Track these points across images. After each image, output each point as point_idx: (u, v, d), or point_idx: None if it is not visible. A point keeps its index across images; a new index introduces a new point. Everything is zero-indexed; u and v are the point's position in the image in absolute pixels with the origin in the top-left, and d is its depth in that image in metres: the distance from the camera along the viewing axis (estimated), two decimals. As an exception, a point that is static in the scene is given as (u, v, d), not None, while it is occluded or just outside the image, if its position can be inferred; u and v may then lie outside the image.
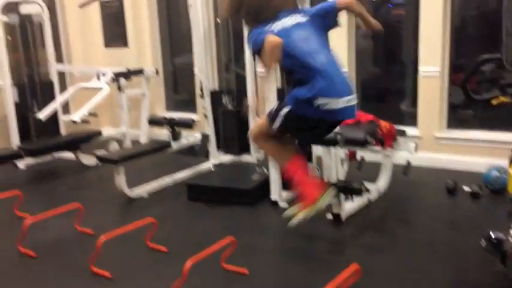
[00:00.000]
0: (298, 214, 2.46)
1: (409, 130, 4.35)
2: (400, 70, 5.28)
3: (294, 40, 2.26)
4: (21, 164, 5.18)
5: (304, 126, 2.35)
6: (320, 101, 2.20)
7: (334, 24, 2.47)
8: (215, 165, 4.79)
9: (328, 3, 2.44)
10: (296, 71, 2.27)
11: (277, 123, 2.31)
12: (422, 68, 4.52)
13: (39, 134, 5.32)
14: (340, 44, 4.83)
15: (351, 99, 2.31)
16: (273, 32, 2.24)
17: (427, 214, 3.59)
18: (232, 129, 5.02)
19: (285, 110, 2.28)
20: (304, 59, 2.24)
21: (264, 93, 2.28)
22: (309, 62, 2.23)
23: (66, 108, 5.92)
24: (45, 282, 2.90)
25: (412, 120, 4.76)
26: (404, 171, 3.83)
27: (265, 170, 4.20)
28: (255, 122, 2.35)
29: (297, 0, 2.46)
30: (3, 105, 5.37)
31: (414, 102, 4.76)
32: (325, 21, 2.42)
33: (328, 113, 2.23)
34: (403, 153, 3.94)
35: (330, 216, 3.52)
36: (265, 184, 3.94)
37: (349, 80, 2.41)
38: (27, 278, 2.96)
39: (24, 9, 5.26)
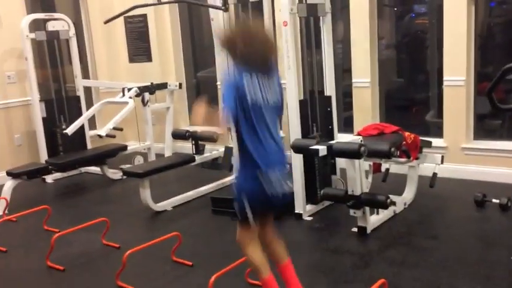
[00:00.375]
0: None
1: (435, 141, 4.30)
2: (424, 80, 5.23)
3: (262, 116, 2.32)
4: (49, 178, 5.29)
5: (264, 202, 2.38)
6: (263, 172, 2.29)
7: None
8: (239, 178, 4.79)
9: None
10: (247, 140, 2.32)
11: (250, 217, 2.36)
12: (447, 78, 4.46)
13: (66, 149, 5.42)
14: (363, 54, 4.81)
15: (283, 172, 2.42)
16: (247, 100, 2.26)
17: (456, 227, 3.51)
18: (255, 141, 5.03)
19: (246, 205, 2.34)
20: (260, 133, 2.31)
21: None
22: (261, 137, 2.32)
23: (92, 123, 6.03)
24: (73, 296, 2.94)
25: (438, 131, 4.68)
26: (430, 183, 3.77)
27: (289, 182, 4.18)
28: (238, 230, 2.47)
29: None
30: (31, 121, 5.50)
31: (439, 113, 4.69)
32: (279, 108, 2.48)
33: (272, 187, 2.32)
34: (429, 165, 3.89)
35: (355, 229, 3.48)
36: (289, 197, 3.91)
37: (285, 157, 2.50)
38: (55, 291, 3.01)
39: (51, 26, 5.39)
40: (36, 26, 5.41)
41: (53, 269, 3.22)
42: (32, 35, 5.22)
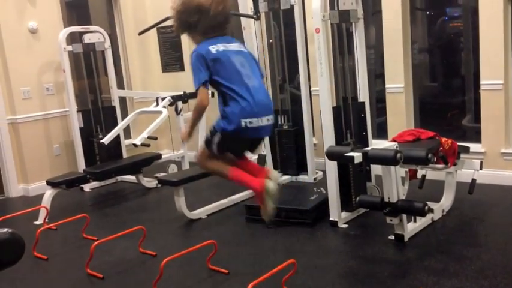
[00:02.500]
0: (263, 213, 2.67)
1: (473, 146, 4.20)
2: (460, 84, 5.13)
3: (233, 62, 2.57)
4: (87, 187, 5.41)
5: (235, 144, 2.65)
6: (246, 121, 2.50)
7: None
8: (272, 186, 4.79)
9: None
10: (227, 87, 2.53)
11: (214, 148, 2.61)
12: (484, 82, 4.36)
13: (102, 158, 5.54)
14: (396, 58, 4.76)
15: (270, 119, 2.62)
16: (215, 53, 2.53)
17: (496, 235, 3.42)
18: (288, 149, 5.04)
19: (216, 138, 2.58)
20: (237, 80, 2.54)
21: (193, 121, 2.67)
22: (241, 82, 2.53)
23: (127, 132, 6.15)
24: (112, 303, 2.99)
25: (475, 136, 4.58)
26: (469, 189, 3.69)
27: (323, 190, 4.16)
28: (199, 149, 2.72)
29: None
30: (69, 131, 5.65)
31: (476, 117, 4.59)
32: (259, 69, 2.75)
33: (253, 130, 2.54)
34: (467, 171, 3.80)
35: (392, 237, 3.43)
36: (323, 204, 3.90)
37: (271, 103, 2.71)
38: (94, 298, 3.07)
39: (87, 38, 5.54)
40: (73, 38, 5.56)
41: (93, 277, 3.28)
42: (69, 48, 5.38)
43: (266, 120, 2.59)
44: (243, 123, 2.49)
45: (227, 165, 2.66)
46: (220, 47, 2.58)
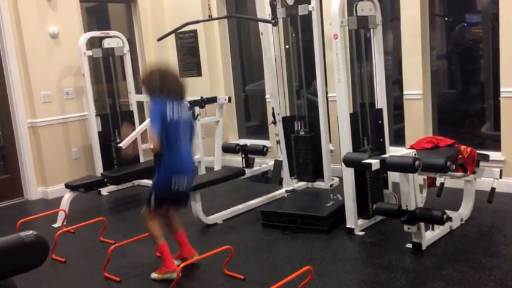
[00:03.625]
0: (156, 274, 3.28)
1: (492, 154, 4.15)
2: (479, 91, 5.07)
3: (177, 132, 3.15)
4: (104, 190, 5.47)
5: (170, 201, 3.29)
6: (175, 180, 3.14)
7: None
8: (288, 192, 4.79)
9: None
10: (166, 149, 3.11)
11: (153, 205, 3.22)
12: (504, 89, 4.31)
13: (120, 162, 5.59)
14: (415, 65, 4.73)
15: (192, 178, 3.33)
16: (167, 119, 3.08)
17: (517, 244, 3.37)
18: (305, 155, 5.03)
19: (154, 194, 3.21)
20: (176, 144, 3.15)
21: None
22: (178, 147, 3.15)
23: (144, 136, 6.19)
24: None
25: (495, 144, 4.52)
26: (488, 198, 3.64)
27: (339, 196, 4.15)
28: (144, 209, 3.33)
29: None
30: (88, 135, 5.72)
31: (496, 125, 4.53)
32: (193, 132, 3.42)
33: (182, 186, 3.18)
34: (487, 179, 3.76)
35: (409, 245, 3.40)
36: (340, 211, 3.88)
37: (193, 165, 3.37)
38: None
39: (107, 43, 5.60)
40: (93, 43, 5.64)
41: (110, 280, 3.31)
42: (89, 53, 5.45)
43: (189, 182, 3.25)
44: (173, 182, 3.14)
45: (162, 236, 3.27)
46: (175, 111, 3.13)
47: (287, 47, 5.50)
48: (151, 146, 3.11)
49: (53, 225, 4.50)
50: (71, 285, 3.38)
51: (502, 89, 4.32)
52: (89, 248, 3.97)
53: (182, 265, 3.12)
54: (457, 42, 5.29)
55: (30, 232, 1.10)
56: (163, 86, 3.13)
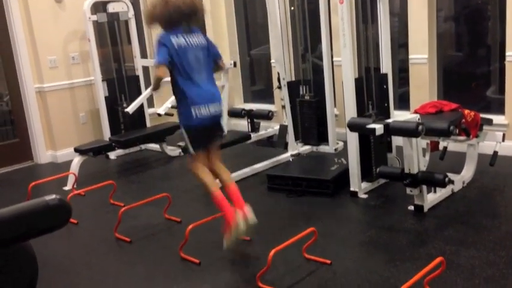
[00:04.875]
0: (225, 241, 3.04)
1: (496, 118, 4.18)
2: (485, 54, 5.04)
3: (188, 58, 3.06)
4: (112, 154, 5.56)
5: (200, 135, 3.13)
6: (195, 110, 3.03)
7: (213, 65, 3.29)
8: (293, 156, 4.86)
9: (218, 51, 3.36)
10: (180, 81, 3.05)
11: (190, 148, 3.12)
12: (510, 52, 4.29)
13: (127, 127, 5.66)
14: (420, 27, 4.70)
15: (216, 106, 3.14)
16: (174, 47, 3.02)
17: (516, 206, 3.44)
18: (310, 119, 5.07)
19: (184, 134, 3.12)
20: (189, 73, 3.06)
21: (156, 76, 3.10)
22: (191, 76, 3.06)
23: (150, 101, 6.24)
24: (140, 264, 3.12)
25: (499, 108, 4.54)
26: (491, 161, 3.70)
27: (344, 160, 4.21)
28: (188, 160, 3.28)
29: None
30: (95, 100, 5.77)
31: (501, 89, 4.54)
32: (212, 56, 3.26)
33: (206, 113, 3.06)
34: (490, 143, 3.80)
35: (411, 207, 3.48)
36: (344, 174, 3.96)
37: (219, 94, 3.25)
38: (124, 260, 3.22)
39: (112, 8, 5.58)
40: (97, 8, 5.61)
41: (121, 241, 3.43)
42: (94, 17, 5.43)
43: (213, 109, 3.10)
44: (193, 113, 3.02)
45: (214, 183, 3.14)
46: (182, 40, 3.06)
47: (292, 8, 5.45)
48: (156, 73, 3.02)
49: (64, 188, 4.61)
50: (84, 246, 3.50)
51: (507, 53, 4.31)
52: (99, 210, 4.08)
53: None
54: (464, 3, 5.22)
55: (54, 196, 1.18)
56: (168, 12, 3.02)
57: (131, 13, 5.71)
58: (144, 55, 6.38)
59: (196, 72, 3.06)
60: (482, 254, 2.82)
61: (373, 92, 4.07)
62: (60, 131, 5.63)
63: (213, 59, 3.25)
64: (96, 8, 5.58)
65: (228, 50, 6.32)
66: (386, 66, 4.09)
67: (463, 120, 3.64)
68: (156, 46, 3.08)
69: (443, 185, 3.32)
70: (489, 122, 3.92)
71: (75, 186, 4.57)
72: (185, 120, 3.08)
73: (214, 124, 3.16)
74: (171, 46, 3.02)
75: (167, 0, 3.05)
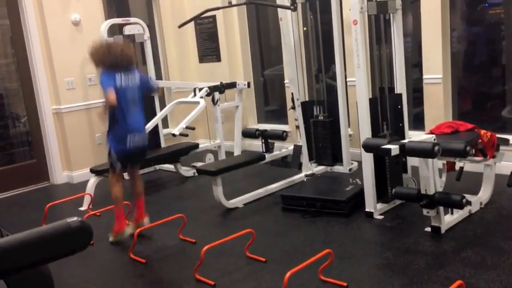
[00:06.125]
0: (110, 237, 3.82)
1: (513, 138, 4.13)
2: (500, 74, 5.02)
3: (126, 97, 3.64)
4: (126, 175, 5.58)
5: (127, 157, 3.76)
6: (129, 136, 3.66)
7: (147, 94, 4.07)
8: (308, 176, 4.85)
9: (152, 82, 4.12)
10: (116, 113, 3.61)
11: (118, 166, 3.78)
12: (526, 72, 4.27)
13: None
14: (434, 47, 4.70)
15: (141, 135, 3.78)
16: (116, 86, 3.56)
17: (536, 228, 3.38)
18: (324, 139, 5.07)
19: (115, 160, 3.75)
20: (125, 109, 3.63)
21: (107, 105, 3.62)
22: (125, 111, 3.64)
23: (165, 122, 6.29)
24: (156, 285, 3.12)
25: (516, 128, 4.51)
26: (508, 182, 3.65)
27: (358, 181, 4.19)
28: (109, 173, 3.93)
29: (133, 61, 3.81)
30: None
31: (517, 108, 4.50)
32: (145, 92, 3.89)
33: (136, 143, 3.71)
34: (506, 163, 3.76)
35: (428, 229, 3.44)
36: (359, 195, 3.93)
37: (144, 125, 3.85)
38: (139, 281, 3.21)
39: (128, 30, 5.67)
40: (113, 30, 5.72)
41: (136, 261, 3.44)
42: (111, 40, 5.52)
43: (139, 137, 3.72)
44: (128, 138, 3.66)
45: (121, 200, 3.84)
46: (122, 80, 3.62)
47: (305, 29, 5.49)
48: (109, 99, 3.46)
49: (79, 209, 4.65)
50: (99, 266, 3.51)
51: (523, 72, 4.29)
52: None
53: (138, 231, 3.61)
54: (478, 24, 5.23)
55: (75, 218, 1.19)
56: (110, 58, 3.58)
57: (147, 35, 5.81)
58: (159, 76, 6.46)
59: (132, 107, 3.66)
60: (503, 277, 2.77)
61: (387, 112, 4.06)
62: (76, 151, 5.70)
63: (146, 93, 3.89)
64: (112, 31, 5.68)
65: (242, 70, 6.38)
66: (400, 86, 4.08)
67: (480, 140, 3.61)
68: (102, 77, 3.63)
69: (460, 206, 3.28)
70: (505, 142, 3.89)
71: (90, 206, 4.60)
72: (117, 145, 3.69)
73: (141, 151, 3.81)
74: (114, 83, 3.58)
75: (109, 49, 3.65)
